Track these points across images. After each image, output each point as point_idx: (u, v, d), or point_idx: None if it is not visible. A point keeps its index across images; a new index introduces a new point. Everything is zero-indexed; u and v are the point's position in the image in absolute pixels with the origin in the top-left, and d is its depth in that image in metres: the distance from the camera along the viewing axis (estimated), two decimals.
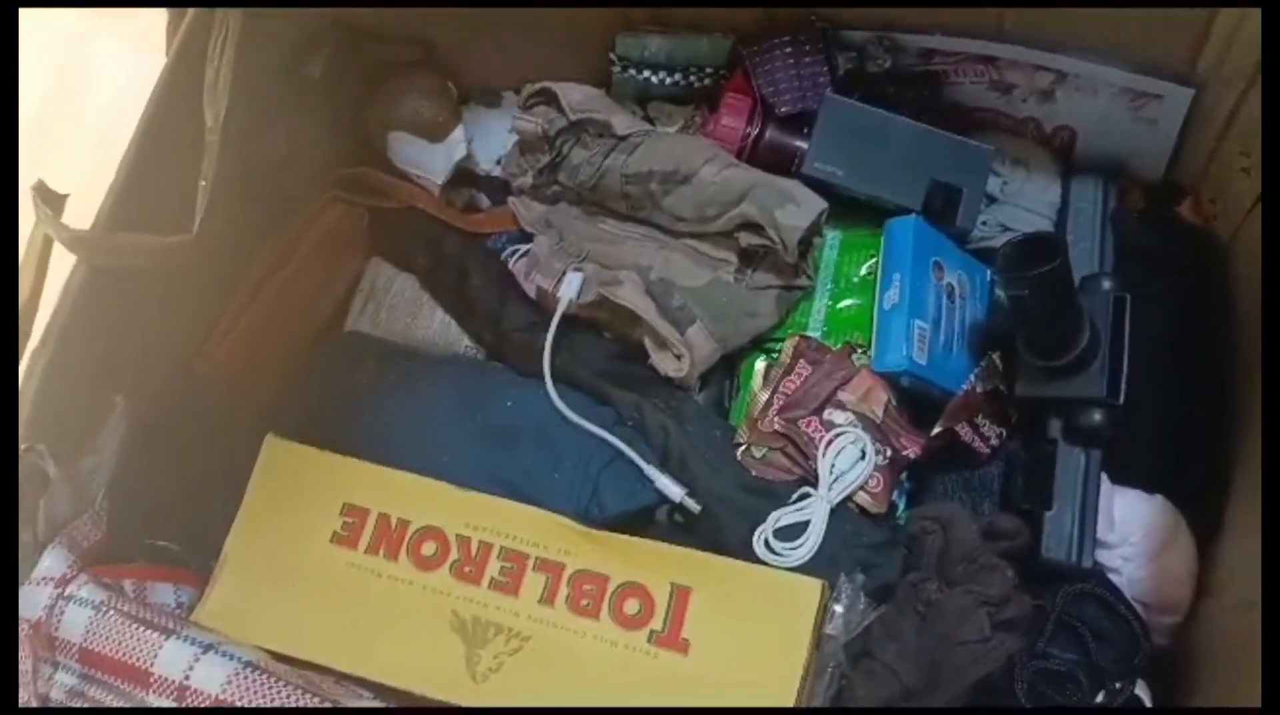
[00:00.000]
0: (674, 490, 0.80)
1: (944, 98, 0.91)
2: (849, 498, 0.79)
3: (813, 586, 0.73)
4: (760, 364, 0.87)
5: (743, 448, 0.82)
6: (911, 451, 0.81)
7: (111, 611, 0.68)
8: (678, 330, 0.84)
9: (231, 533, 0.79)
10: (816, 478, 0.79)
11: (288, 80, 0.88)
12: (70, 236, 0.68)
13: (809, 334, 0.86)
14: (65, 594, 0.68)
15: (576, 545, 0.77)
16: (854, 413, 0.81)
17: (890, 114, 0.88)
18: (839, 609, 0.73)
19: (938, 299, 0.84)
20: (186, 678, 0.65)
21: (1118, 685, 0.74)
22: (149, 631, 0.67)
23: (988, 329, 0.87)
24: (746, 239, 0.85)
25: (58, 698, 0.68)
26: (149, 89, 0.75)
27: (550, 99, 0.89)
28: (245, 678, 0.65)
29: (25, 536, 0.69)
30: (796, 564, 0.75)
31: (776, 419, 0.81)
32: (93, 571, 0.70)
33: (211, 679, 0.65)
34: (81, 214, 0.70)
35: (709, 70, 0.93)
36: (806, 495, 0.78)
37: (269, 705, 0.64)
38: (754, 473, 0.81)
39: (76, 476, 0.72)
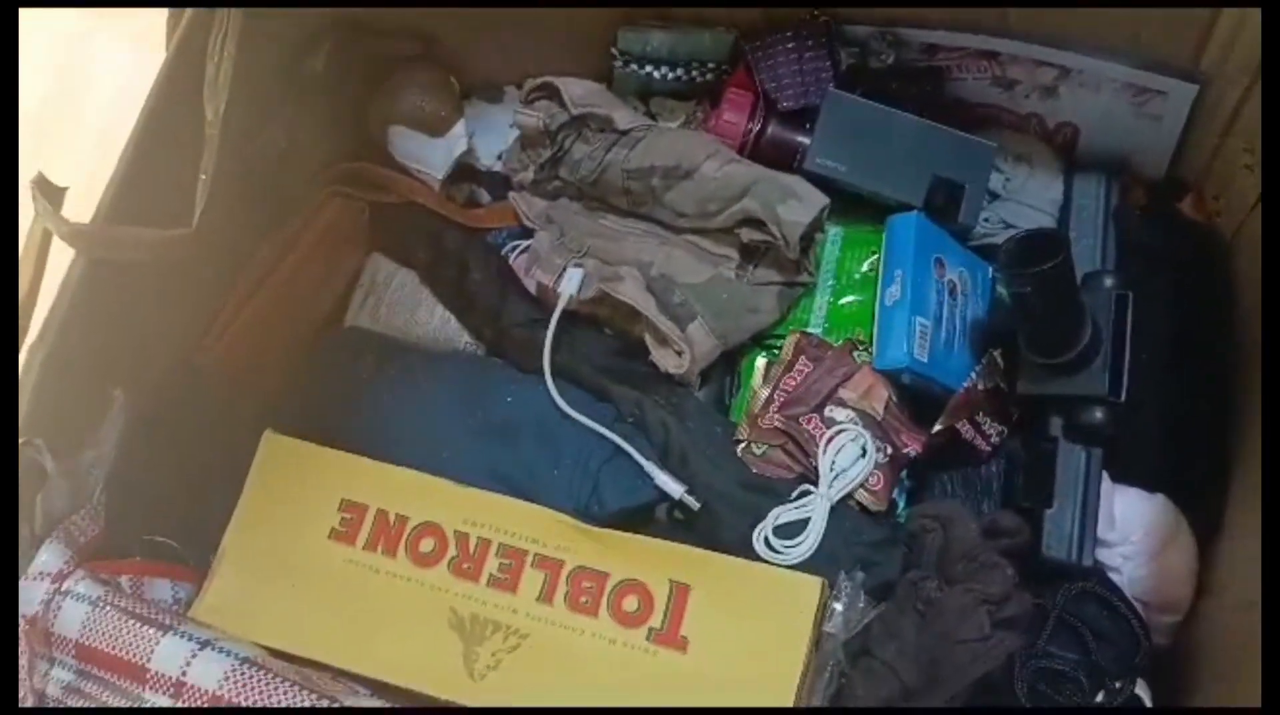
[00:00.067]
0: (674, 487, 0.79)
1: (946, 93, 0.91)
2: (849, 495, 0.79)
3: (812, 584, 0.73)
4: (761, 361, 0.87)
5: (743, 445, 0.82)
6: (912, 449, 0.81)
7: (108, 607, 0.68)
8: (678, 326, 0.84)
9: (229, 528, 0.79)
10: (817, 475, 0.78)
11: (288, 76, 0.88)
12: (69, 230, 0.68)
13: (810, 331, 0.86)
14: (62, 589, 0.68)
15: (575, 542, 0.77)
16: (855, 410, 0.81)
17: (893, 110, 0.87)
18: (838, 607, 0.72)
19: (939, 296, 0.84)
20: (183, 674, 0.65)
21: (1118, 684, 0.74)
22: (146, 627, 0.67)
23: (989, 326, 0.87)
24: (748, 235, 0.85)
25: (54, 694, 0.68)
26: (149, 88, 0.75)
27: (552, 93, 0.89)
28: (242, 674, 0.65)
29: (23, 531, 0.69)
30: (796, 562, 0.75)
31: (777, 416, 0.81)
32: (90, 567, 0.70)
33: (208, 675, 0.65)
34: (81, 213, 0.70)
35: (711, 65, 0.93)
36: (807, 493, 0.78)
37: (266, 702, 0.64)
38: (754, 470, 0.80)
39: (74, 471, 0.72)
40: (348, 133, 0.96)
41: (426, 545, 0.78)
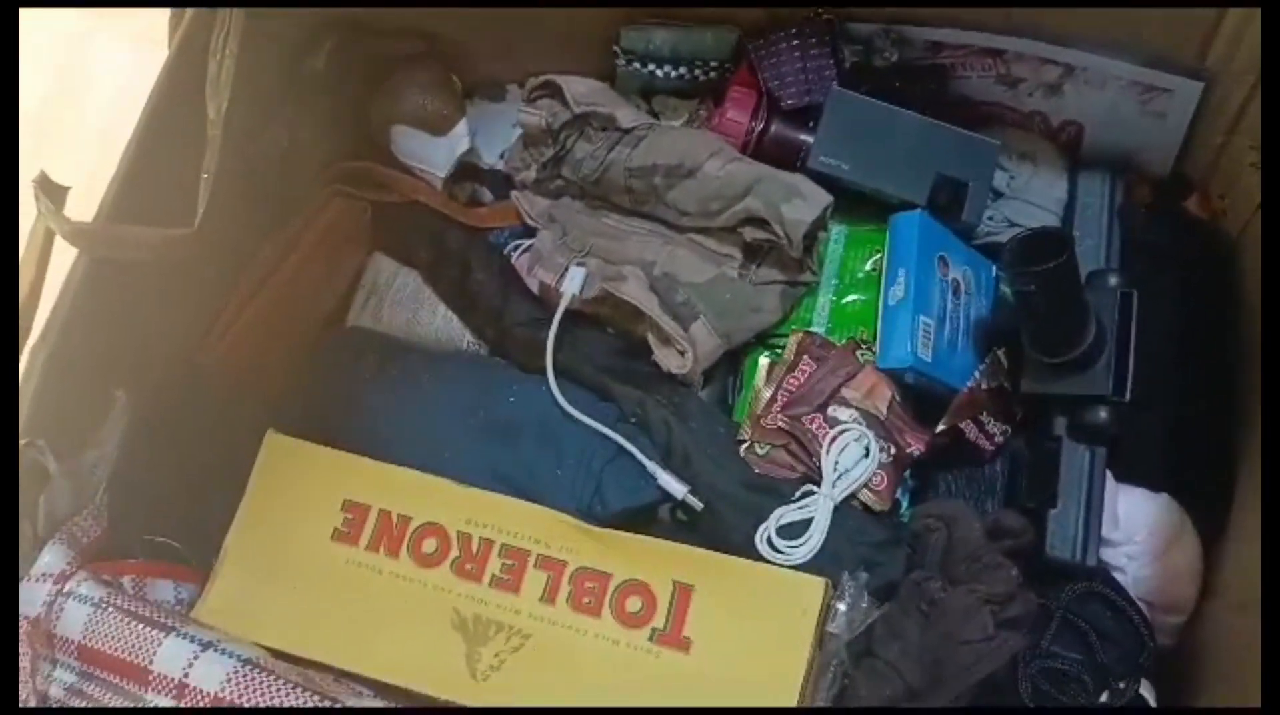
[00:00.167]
0: (677, 487, 0.79)
1: (950, 92, 0.90)
2: (852, 495, 0.79)
3: (815, 584, 0.73)
4: (764, 360, 0.87)
5: (746, 444, 0.81)
6: (916, 448, 0.81)
7: (111, 608, 0.68)
8: (681, 326, 0.84)
9: (232, 529, 0.79)
10: (820, 475, 0.78)
11: (290, 75, 0.88)
12: (72, 229, 0.68)
13: (813, 330, 0.86)
14: (64, 590, 0.68)
15: (578, 542, 0.77)
16: (858, 409, 0.80)
17: (896, 108, 0.87)
18: (842, 607, 0.72)
19: (943, 295, 0.84)
20: (185, 675, 0.65)
21: (1122, 685, 0.74)
22: (148, 628, 0.67)
23: (993, 325, 0.87)
24: (751, 234, 0.84)
25: (56, 695, 0.68)
26: (150, 88, 0.75)
27: (554, 92, 0.89)
28: (244, 675, 0.65)
29: (26, 532, 0.69)
30: (799, 562, 0.75)
31: (780, 416, 0.81)
32: (92, 568, 0.70)
33: (211, 676, 0.65)
34: (82, 213, 0.70)
35: (714, 64, 0.93)
36: (810, 492, 0.78)
37: (268, 703, 0.64)
38: (757, 470, 0.80)
39: (77, 472, 0.72)
40: (349, 132, 0.96)
41: (429, 546, 0.78)
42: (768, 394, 0.82)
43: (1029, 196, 0.89)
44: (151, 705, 0.65)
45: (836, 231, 0.89)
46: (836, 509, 0.77)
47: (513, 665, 0.74)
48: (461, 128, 0.95)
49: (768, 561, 0.76)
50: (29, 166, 0.69)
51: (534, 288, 0.91)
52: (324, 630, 0.75)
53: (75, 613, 0.67)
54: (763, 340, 0.87)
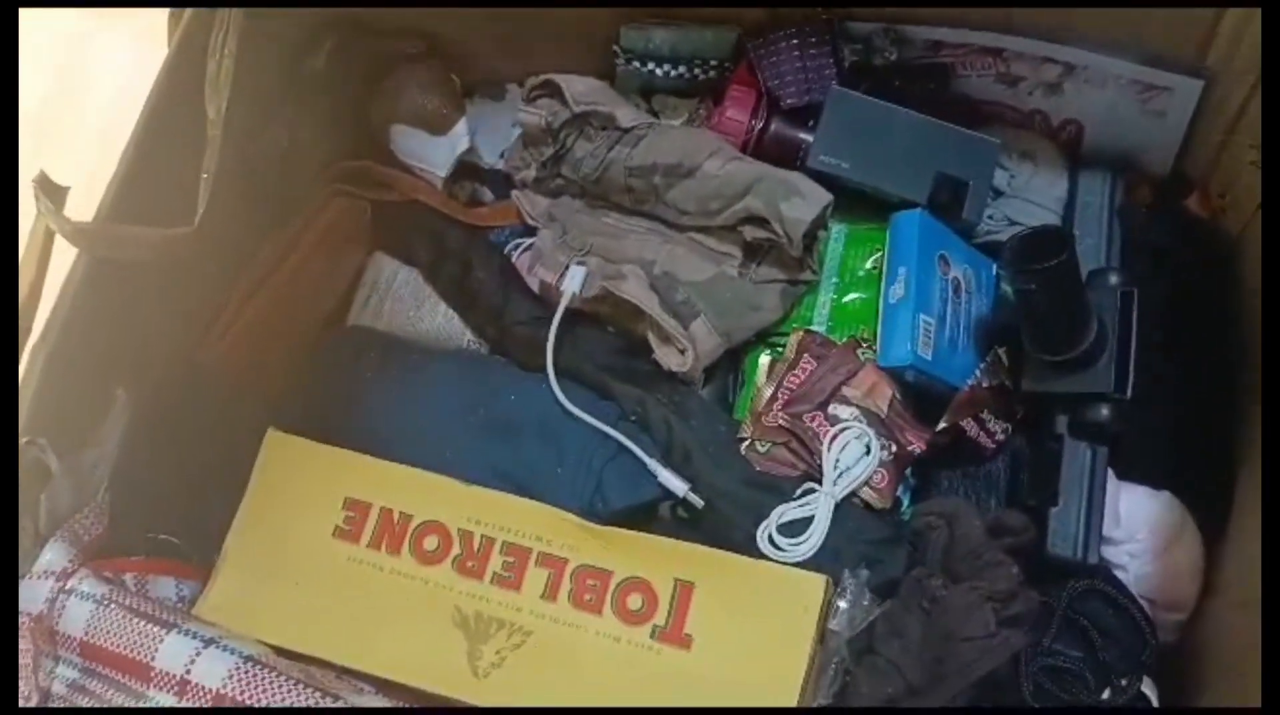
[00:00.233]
0: (677, 485, 0.79)
1: (950, 90, 0.90)
2: (853, 493, 0.79)
3: (816, 582, 0.73)
4: (764, 359, 0.87)
5: (747, 442, 0.81)
6: (916, 447, 0.81)
7: (113, 605, 0.68)
8: (681, 324, 0.84)
9: (233, 526, 0.79)
10: (821, 473, 0.78)
11: (290, 75, 0.88)
12: (72, 228, 0.68)
13: (814, 328, 0.86)
14: (66, 587, 0.68)
15: (579, 540, 0.77)
16: (859, 408, 0.80)
17: (896, 107, 0.87)
18: (843, 605, 0.72)
19: (943, 293, 0.84)
20: (188, 672, 0.65)
21: (1124, 682, 0.74)
22: (150, 625, 0.67)
23: (993, 324, 0.87)
24: (751, 233, 0.84)
25: (59, 691, 0.68)
26: (149, 88, 0.75)
27: (554, 91, 0.89)
28: (246, 672, 0.65)
29: (27, 530, 0.69)
30: (800, 559, 0.75)
31: (781, 414, 0.81)
32: (94, 565, 0.70)
33: (213, 673, 0.65)
34: (82, 212, 0.70)
35: (713, 63, 0.93)
36: (811, 490, 0.78)
37: (270, 700, 0.64)
38: (758, 468, 0.80)
39: (78, 470, 0.72)
40: (349, 132, 0.96)
41: (430, 543, 0.78)
42: (769, 392, 0.82)
43: (1029, 195, 0.89)
44: (154, 702, 0.65)
45: (837, 230, 0.89)
46: (837, 507, 0.77)
47: (514, 662, 0.74)
48: (461, 127, 0.95)
49: (769, 559, 0.76)
50: (29, 166, 0.69)
51: (534, 286, 0.91)
52: (325, 627, 0.75)
53: (77, 610, 0.67)
54: (763, 338, 0.87)
